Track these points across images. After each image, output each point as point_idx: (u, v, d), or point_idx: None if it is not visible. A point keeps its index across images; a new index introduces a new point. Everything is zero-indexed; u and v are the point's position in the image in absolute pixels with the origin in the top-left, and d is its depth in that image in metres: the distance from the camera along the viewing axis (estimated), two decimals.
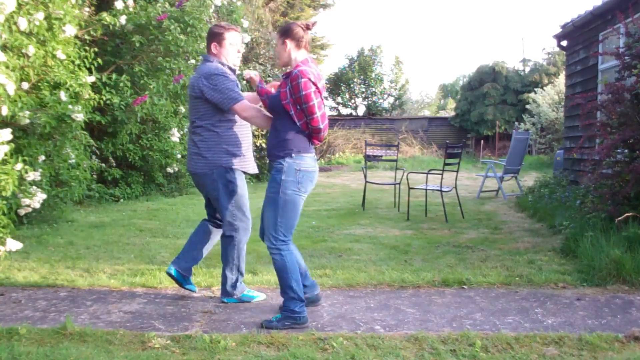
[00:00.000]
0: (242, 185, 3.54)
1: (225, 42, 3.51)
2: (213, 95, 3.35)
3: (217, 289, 3.86)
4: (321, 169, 16.51)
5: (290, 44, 3.16)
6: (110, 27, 7.00)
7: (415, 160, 18.09)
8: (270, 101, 3.21)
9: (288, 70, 3.18)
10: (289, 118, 3.11)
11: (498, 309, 3.43)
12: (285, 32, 3.17)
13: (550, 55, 21.42)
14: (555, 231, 5.61)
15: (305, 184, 3.15)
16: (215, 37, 3.52)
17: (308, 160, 3.15)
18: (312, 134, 3.14)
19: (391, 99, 26.33)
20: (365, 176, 8.21)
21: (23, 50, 4.96)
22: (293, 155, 3.11)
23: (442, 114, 29.25)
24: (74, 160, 6.30)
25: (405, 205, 7.38)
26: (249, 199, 3.60)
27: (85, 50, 6.16)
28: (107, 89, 7.22)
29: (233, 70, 3.56)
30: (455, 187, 7.20)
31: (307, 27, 3.21)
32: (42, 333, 2.95)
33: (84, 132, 6.15)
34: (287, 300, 3.14)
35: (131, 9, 7.40)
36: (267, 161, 12.62)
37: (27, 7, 4.92)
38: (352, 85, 25.31)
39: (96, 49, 6.54)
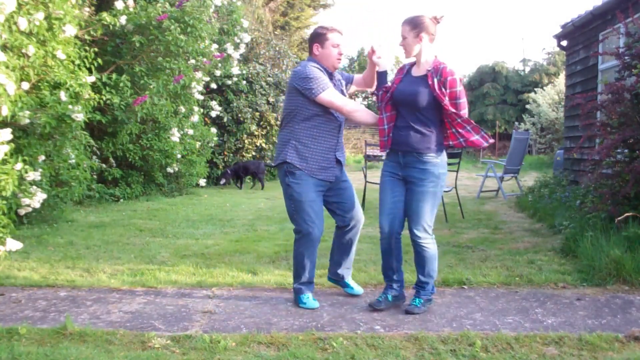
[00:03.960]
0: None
1: (327, 43, 3.45)
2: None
3: (217, 288, 3.86)
4: None
5: (425, 37, 3.27)
6: (111, 27, 7.00)
7: None
8: (414, 94, 3.24)
9: (428, 65, 3.28)
10: (438, 112, 3.24)
11: (498, 309, 3.43)
12: (420, 25, 3.26)
13: (550, 55, 21.45)
14: (555, 231, 5.61)
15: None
16: (316, 37, 3.47)
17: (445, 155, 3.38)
18: (454, 128, 3.27)
19: None
20: (365, 176, 8.21)
21: (23, 50, 4.95)
22: (442, 149, 3.31)
23: None
24: (74, 160, 6.30)
25: None
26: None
27: (85, 50, 6.16)
28: (107, 89, 7.22)
29: (331, 73, 3.49)
30: (455, 187, 7.20)
31: (438, 21, 3.33)
32: (42, 333, 2.95)
33: (84, 132, 6.14)
34: (429, 284, 3.40)
35: (131, 9, 7.40)
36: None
37: (27, 7, 4.91)
38: None
39: (96, 49, 6.54)
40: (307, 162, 3.39)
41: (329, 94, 3.31)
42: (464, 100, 3.22)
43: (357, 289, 3.75)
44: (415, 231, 3.30)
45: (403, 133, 3.28)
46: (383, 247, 3.42)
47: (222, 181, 10.75)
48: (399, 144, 3.29)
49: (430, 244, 3.33)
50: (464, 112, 3.22)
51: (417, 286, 3.42)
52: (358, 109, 3.46)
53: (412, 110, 3.25)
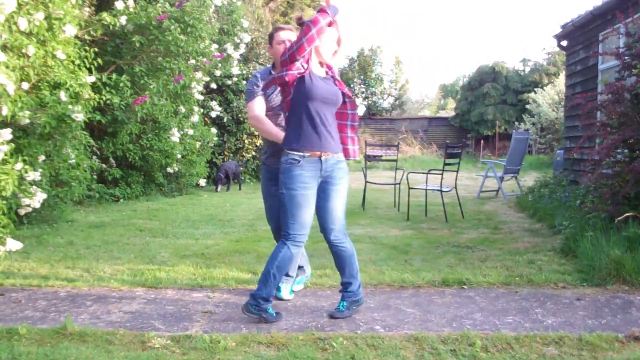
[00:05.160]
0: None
1: (274, 42, 3.54)
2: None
3: (217, 288, 3.85)
4: None
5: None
6: (111, 27, 7.00)
7: (415, 160, 18.10)
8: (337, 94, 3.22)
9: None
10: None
11: (498, 309, 3.43)
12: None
13: (550, 55, 21.43)
14: (555, 231, 5.61)
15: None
16: (268, 40, 3.61)
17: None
18: None
19: (391, 99, 26.35)
20: (365, 176, 8.21)
21: (23, 50, 4.95)
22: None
23: (442, 114, 29.25)
24: (74, 160, 6.30)
25: (405, 205, 7.38)
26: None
27: (86, 50, 6.16)
28: (107, 89, 7.22)
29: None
30: (455, 187, 7.20)
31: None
32: (42, 333, 2.95)
33: (84, 132, 6.15)
34: (356, 286, 3.31)
35: (131, 9, 7.40)
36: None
37: (27, 7, 4.91)
38: (352, 85, 25.31)
39: (96, 49, 6.54)
40: (265, 155, 3.65)
41: (249, 105, 3.50)
42: None
43: (283, 293, 3.64)
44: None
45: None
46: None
47: (219, 188, 10.66)
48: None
49: (284, 247, 3.13)
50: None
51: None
52: (259, 123, 3.46)
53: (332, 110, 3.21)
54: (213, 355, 2.70)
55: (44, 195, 5.18)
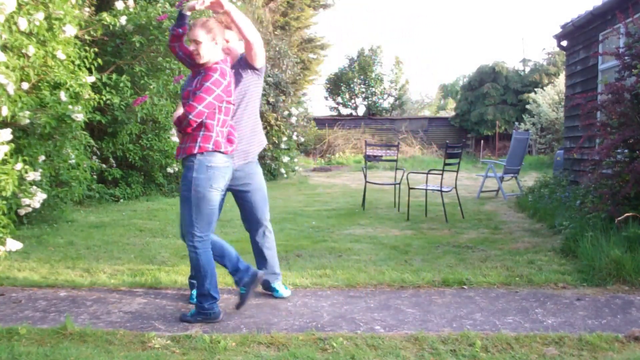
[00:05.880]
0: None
1: None
2: None
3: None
4: (321, 169, 16.52)
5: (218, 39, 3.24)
6: (111, 27, 7.00)
7: (415, 160, 18.10)
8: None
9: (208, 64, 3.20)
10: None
11: (498, 309, 3.43)
12: (211, 30, 3.23)
13: (550, 55, 21.43)
14: (555, 231, 5.61)
15: (217, 179, 3.11)
16: None
17: (219, 157, 3.11)
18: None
19: (391, 99, 26.37)
20: (365, 176, 8.21)
21: (23, 50, 4.95)
22: (204, 152, 3.08)
23: (442, 114, 29.26)
24: (74, 160, 6.29)
25: (405, 205, 7.38)
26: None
27: (86, 51, 6.16)
28: (107, 89, 7.22)
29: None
30: (455, 187, 7.20)
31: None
32: (42, 333, 2.95)
33: (84, 132, 6.14)
34: (199, 296, 3.20)
35: (131, 9, 7.40)
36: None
37: (27, 7, 4.91)
38: (352, 85, 25.34)
39: (96, 49, 6.53)
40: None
41: None
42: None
43: (283, 292, 3.67)
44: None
45: None
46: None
47: None
48: None
49: (191, 252, 3.16)
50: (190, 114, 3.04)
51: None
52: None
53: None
54: (213, 355, 2.70)
55: (44, 195, 5.18)
